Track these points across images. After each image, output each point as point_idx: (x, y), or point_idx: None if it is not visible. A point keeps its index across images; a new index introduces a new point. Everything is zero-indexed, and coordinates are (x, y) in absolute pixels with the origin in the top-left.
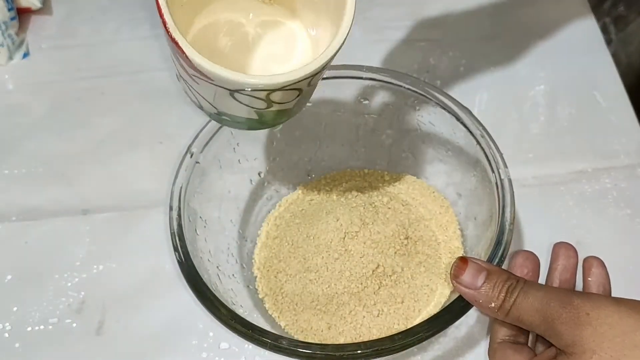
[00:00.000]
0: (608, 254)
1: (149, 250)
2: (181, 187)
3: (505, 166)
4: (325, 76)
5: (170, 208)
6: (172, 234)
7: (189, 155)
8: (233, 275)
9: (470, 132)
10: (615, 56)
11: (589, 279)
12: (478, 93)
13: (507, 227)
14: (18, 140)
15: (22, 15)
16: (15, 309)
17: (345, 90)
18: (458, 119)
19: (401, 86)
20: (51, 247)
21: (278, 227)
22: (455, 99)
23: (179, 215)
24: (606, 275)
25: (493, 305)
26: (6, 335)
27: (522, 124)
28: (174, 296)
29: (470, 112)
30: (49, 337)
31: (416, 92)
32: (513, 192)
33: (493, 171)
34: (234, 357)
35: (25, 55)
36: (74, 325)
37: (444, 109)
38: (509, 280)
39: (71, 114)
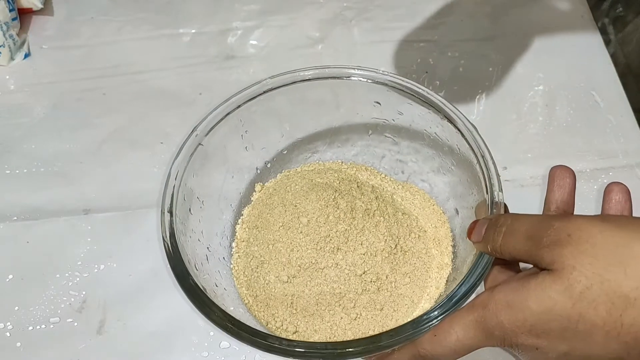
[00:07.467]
0: None
1: (150, 250)
2: (179, 166)
3: (501, 190)
4: (339, 75)
5: (166, 186)
6: (162, 212)
7: (194, 135)
8: (223, 258)
9: (472, 150)
10: (613, 56)
11: (607, 205)
12: (477, 93)
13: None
14: (19, 140)
15: (23, 15)
16: (16, 308)
17: (360, 91)
18: (463, 135)
19: (412, 95)
20: (52, 246)
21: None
22: (463, 115)
23: (172, 194)
24: (627, 201)
25: (489, 248)
26: (8, 334)
27: (521, 125)
28: (174, 295)
29: (475, 130)
30: (51, 337)
31: (424, 101)
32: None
33: (487, 192)
34: (234, 356)
35: (27, 55)
36: (75, 324)
37: (451, 123)
38: (499, 219)
39: (72, 114)
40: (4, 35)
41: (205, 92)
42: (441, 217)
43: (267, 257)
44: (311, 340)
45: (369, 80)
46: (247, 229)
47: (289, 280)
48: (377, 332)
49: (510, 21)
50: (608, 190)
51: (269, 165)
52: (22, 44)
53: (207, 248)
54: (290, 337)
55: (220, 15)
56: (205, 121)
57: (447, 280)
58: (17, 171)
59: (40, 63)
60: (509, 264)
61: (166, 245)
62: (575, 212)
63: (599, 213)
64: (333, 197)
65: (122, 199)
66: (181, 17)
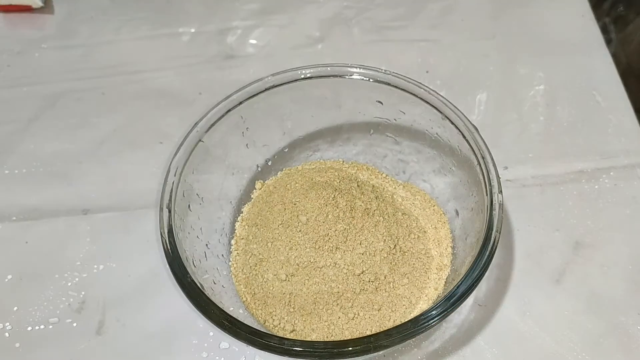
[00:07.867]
0: (608, 253)
1: (149, 250)
2: (178, 162)
3: (500, 191)
4: (341, 74)
5: (165, 182)
6: (161, 208)
7: (194, 131)
8: (222, 255)
9: (473, 151)
10: (615, 56)
11: None
12: (478, 93)
13: (488, 249)
14: (18, 140)
15: (23, 14)
16: (15, 308)
17: (362, 90)
18: (464, 136)
19: (414, 94)
20: (51, 246)
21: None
22: (464, 115)
23: (171, 190)
24: None
25: None
26: (6, 335)
27: (522, 124)
28: (174, 296)
29: (476, 131)
30: (50, 337)
31: (426, 101)
32: (502, 218)
33: (487, 194)
34: (234, 357)
35: None
36: (75, 325)
37: (452, 123)
38: None
39: (71, 114)
40: None
41: (204, 92)
42: (441, 218)
43: (265, 255)
44: (308, 339)
45: (370, 79)
46: (246, 227)
47: (287, 279)
48: (375, 332)
49: (510, 20)
50: None
51: (269, 163)
52: None
53: (206, 245)
54: (288, 336)
55: (220, 14)
56: (206, 117)
57: (445, 282)
58: (16, 171)
59: (40, 62)
60: None
61: (164, 241)
62: (576, 213)
63: (599, 213)
64: (332, 195)
65: (122, 199)
66: (181, 16)
